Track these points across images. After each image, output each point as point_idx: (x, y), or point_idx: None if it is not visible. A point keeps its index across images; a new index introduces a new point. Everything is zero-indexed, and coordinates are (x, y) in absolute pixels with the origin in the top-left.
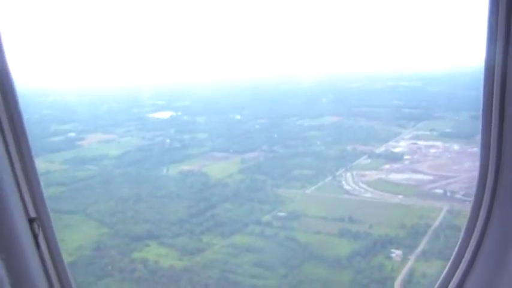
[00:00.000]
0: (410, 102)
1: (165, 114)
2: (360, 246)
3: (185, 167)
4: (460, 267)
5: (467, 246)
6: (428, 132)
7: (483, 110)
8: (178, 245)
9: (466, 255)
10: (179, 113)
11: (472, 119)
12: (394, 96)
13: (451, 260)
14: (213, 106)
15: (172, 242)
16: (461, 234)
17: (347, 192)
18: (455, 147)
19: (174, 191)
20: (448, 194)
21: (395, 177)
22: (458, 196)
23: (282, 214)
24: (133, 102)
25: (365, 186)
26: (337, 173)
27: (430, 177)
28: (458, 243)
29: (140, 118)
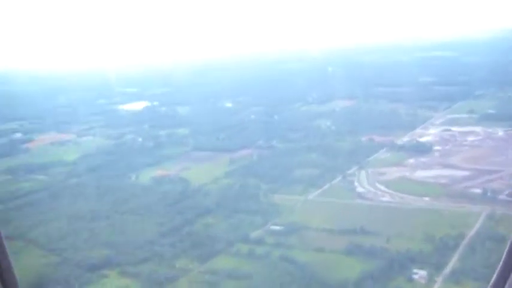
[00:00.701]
0: (444, 77)
1: (137, 106)
2: (373, 267)
3: (160, 171)
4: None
5: None
6: (465, 115)
7: None
8: (144, 273)
9: None
10: (155, 103)
11: None
12: (424, 70)
13: (493, 278)
14: (198, 92)
15: (136, 270)
16: (508, 246)
17: (360, 196)
18: (500, 133)
19: (143, 204)
20: (489, 194)
21: (421, 174)
22: (501, 197)
23: (277, 228)
24: (98, 91)
25: (383, 188)
26: (349, 172)
27: (466, 173)
28: (503, 258)
29: (106, 111)
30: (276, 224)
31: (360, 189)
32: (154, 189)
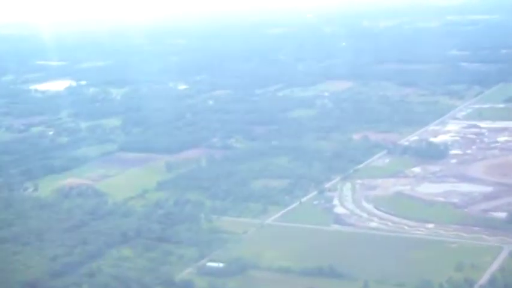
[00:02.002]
0: (480, 50)
1: (58, 85)
2: None
3: (70, 179)
4: None
5: None
6: (500, 105)
7: None
8: None
9: None
10: (83, 83)
11: None
12: (454, 40)
13: None
14: (144, 67)
15: None
16: None
17: (338, 219)
18: None
19: (36, 227)
20: None
21: (427, 190)
22: None
23: (216, 265)
24: (6, 63)
25: (371, 208)
26: (328, 184)
27: (489, 189)
28: None
29: (14, 93)
30: (215, 260)
31: (339, 210)
32: (55, 206)
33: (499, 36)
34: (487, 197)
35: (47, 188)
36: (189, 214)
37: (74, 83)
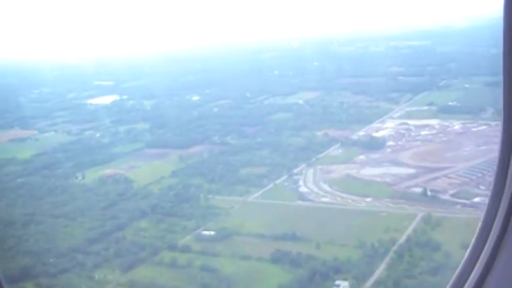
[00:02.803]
0: (412, 67)
1: (107, 100)
2: (296, 277)
3: (108, 170)
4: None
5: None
6: (425, 107)
7: (505, 76)
8: (59, 285)
9: (483, 253)
10: (124, 97)
11: (486, 86)
12: (395, 60)
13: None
14: (170, 85)
15: (51, 282)
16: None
17: (302, 196)
18: (456, 126)
19: (81, 206)
20: (429, 193)
21: (368, 172)
22: (444, 197)
23: (208, 233)
24: (72, 84)
25: (326, 187)
26: (296, 170)
27: (412, 171)
28: (465, 257)
29: (75, 106)
30: (208, 229)
31: (302, 189)
32: (96, 190)
33: (426, 56)
34: (410, 177)
35: (91, 176)
36: (192, 194)
37: (117, 98)
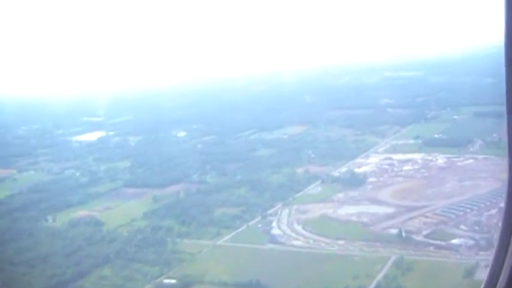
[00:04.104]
0: (403, 99)
1: (93, 136)
2: None
3: (81, 212)
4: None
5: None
6: (411, 141)
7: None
8: None
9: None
10: (111, 133)
11: (476, 116)
12: (386, 92)
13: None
14: (159, 120)
15: None
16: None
17: (273, 239)
18: (440, 160)
19: (45, 252)
20: (404, 235)
21: (345, 211)
22: (418, 238)
23: (169, 281)
24: (62, 120)
25: (300, 229)
26: (271, 211)
27: (391, 210)
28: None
29: (60, 143)
30: (170, 277)
31: (275, 231)
32: (64, 234)
33: (417, 87)
34: (388, 217)
35: (63, 219)
36: (160, 238)
37: (103, 134)
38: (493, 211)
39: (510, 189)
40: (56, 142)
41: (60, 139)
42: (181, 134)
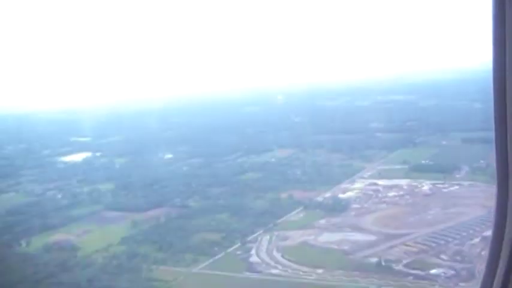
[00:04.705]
0: (393, 123)
1: (79, 157)
2: None
3: (57, 236)
4: None
5: None
6: (398, 166)
7: (496, 130)
8: None
9: None
10: (97, 154)
11: (463, 142)
12: (377, 115)
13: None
14: (147, 141)
15: None
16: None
17: (251, 267)
18: (425, 187)
19: (13, 280)
20: (383, 264)
21: (326, 238)
22: (397, 268)
23: None
24: (49, 140)
25: (279, 257)
26: (251, 237)
27: (372, 238)
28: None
29: (45, 164)
30: None
31: (253, 259)
32: (36, 259)
33: (408, 111)
34: (369, 244)
35: (37, 243)
36: (135, 265)
37: (89, 155)
38: (476, 240)
39: (497, 217)
40: (41, 163)
41: (45, 160)
42: (168, 155)
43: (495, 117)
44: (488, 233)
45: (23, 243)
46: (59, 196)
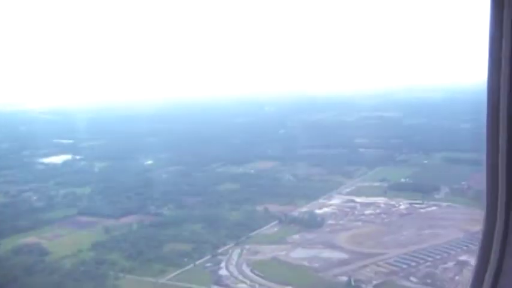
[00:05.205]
0: (376, 139)
1: (59, 159)
2: None
3: (29, 239)
4: None
5: None
6: (376, 183)
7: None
8: None
9: None
10: (78, 157)
11: (445, 162)
12: (362, 131)
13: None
14: (129, 146)
15: None
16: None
17: (219, 281)
18: (402, 206)
19: None
20: (353, 283)
21: (298, 255)
22: None
23: None
24: (31, 141)
25: (248, 271)
26: (222, 249)
27: (344, 256)
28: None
29: (24, 164)
30: None
31: (222, 272)
32: (3, 262)
33: (393, 128)
34: (341, 263)
35: (7, 246)
36: (102, 273)
37: (69, 157)
38: (450, 263)
39: (484, 238)
40: (20, 163)
41: (25, 160)
42: (149, 162)
43: (487, 135)
44: (463, 257)
45: None
46: (34, 198)
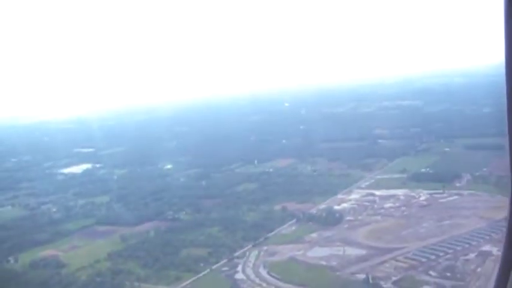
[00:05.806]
0: (396, 130)
1: (79, 168)
2: None
3: (46, 252)
4: None
5: None
6: (396, 175)
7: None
8: None
9: None
10: (98, 165)
11: (467, 149)
12: (381, 122)
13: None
14: (150, 151)
15: None
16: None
17: (235, 285)
18: (423, 197)
19: None
20: (371, 281)
21: (315, 253)
22: (385, 286)
23: None
24: (53, 152)
25: (265, 274)
26: (239, 252)
27: (363, 252)
28: (501, 257)
29: (45, 176)
30: None
31: (239, 276)
32: (21, 277)
33: (413, 117)
34: (359, 260)
35: (25, 259)
36: (118, 282)
37: (89, 166)
38: (472, 255)
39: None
40: (41, 175)
41: (46, 172)
42: (168, 166)
43: (508, 119)
44: (486, 247)
45: (11, 259)
46: (54, 210)
